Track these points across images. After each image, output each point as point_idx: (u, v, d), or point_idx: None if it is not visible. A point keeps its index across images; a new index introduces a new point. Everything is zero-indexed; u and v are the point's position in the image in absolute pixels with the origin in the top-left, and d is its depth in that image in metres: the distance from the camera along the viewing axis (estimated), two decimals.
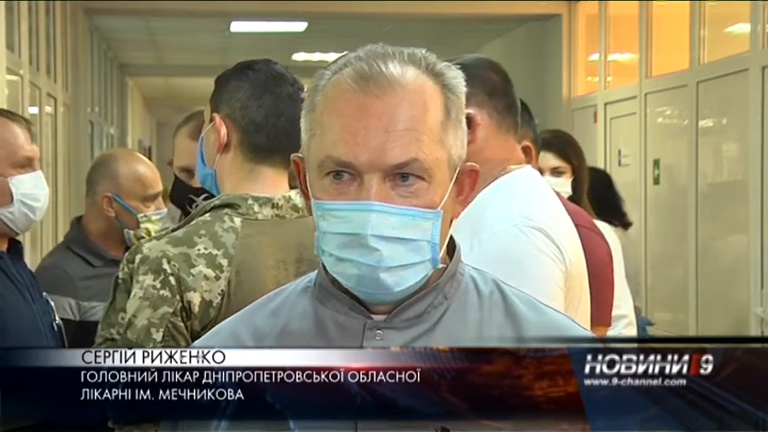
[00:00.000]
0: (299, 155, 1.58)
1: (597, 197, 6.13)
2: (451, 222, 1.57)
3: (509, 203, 2.41)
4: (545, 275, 2.35)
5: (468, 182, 1.56)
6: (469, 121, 2.43)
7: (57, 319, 3.12)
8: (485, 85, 2.48)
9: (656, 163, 8.20)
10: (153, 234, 3.66)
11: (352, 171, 1.47)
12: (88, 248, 3.72)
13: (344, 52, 1.56)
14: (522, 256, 2.34)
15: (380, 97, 1.47)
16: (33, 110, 8.03)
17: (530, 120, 3.25)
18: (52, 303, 3.15)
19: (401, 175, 1.47)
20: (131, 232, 3.70)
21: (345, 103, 1.49)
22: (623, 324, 4.36)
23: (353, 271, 1.49)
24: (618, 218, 6.16)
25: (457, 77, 1.55)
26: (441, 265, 1.53)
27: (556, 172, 4.20)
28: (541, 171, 4.14)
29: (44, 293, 3.13)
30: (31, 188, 3.03)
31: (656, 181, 8.19)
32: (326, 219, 1.49)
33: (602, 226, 5.65)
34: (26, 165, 3.04)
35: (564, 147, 4.26)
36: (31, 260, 6.88)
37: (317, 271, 1.60)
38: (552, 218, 2.45)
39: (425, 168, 1.48)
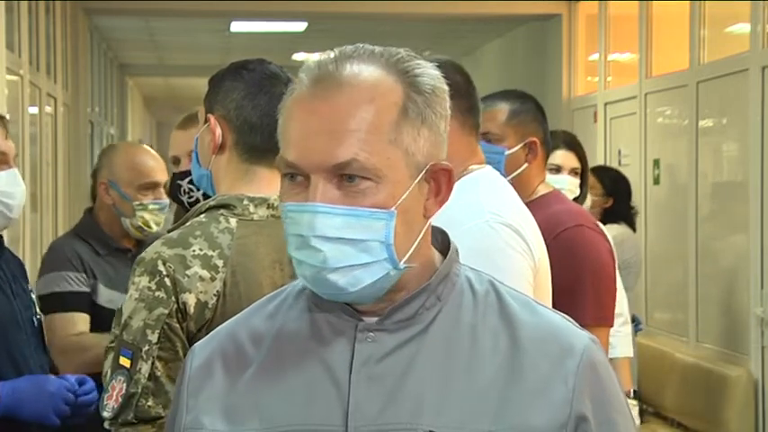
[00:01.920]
0: None
1: (622, 200, 6.19)
2: (426, 221, 1.55)
3: (478, 201, 2.45)
4: (516, 271, 2.40)
5: (445, 181, 1.54)
6: None
7: (38, 313, 3.12)
8: (448, 86, 2.50)
9: (656, 163, 8.20)
10: (151, 224, 3.70)
11: (301, 173, 1.48)
12: (96, 236, 3.77)
13: None
14: (493, 251, 2.38)
15: (326, 99, 1.47)
16: (33, 110, 8.03)
17: (543, 120, 3.27)
18: (34, 297, 3.15)
19: (348, 175, 1.46)
20: (128, 220, 3.71)
21: (298, 107, 1.50)
22: (620, 322, 4.38)
23: (306, 272, 1.49)
24: (631, 218, 6.24)
25: (430, 77, 1.53)
26: (404, 266, 1.50)
27: (573, 172, 4.25)
28: (560, 169, 4.16)
29: (29, 287, 3.13)
30: (5, 185, 3.02)
31: (656, 181, 8.19)
32: (285, 220, 1.50)
33: (609, 227, 5.71)
34: (2, 162, 3.01)
35: (581, 149, 4.34)
36: (31, 260, 6.87)
37: None
38: (519, 215, 2.51)
39: (368, 168, 1.46)
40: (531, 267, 2.43)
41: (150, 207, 3.72)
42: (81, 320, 3.61)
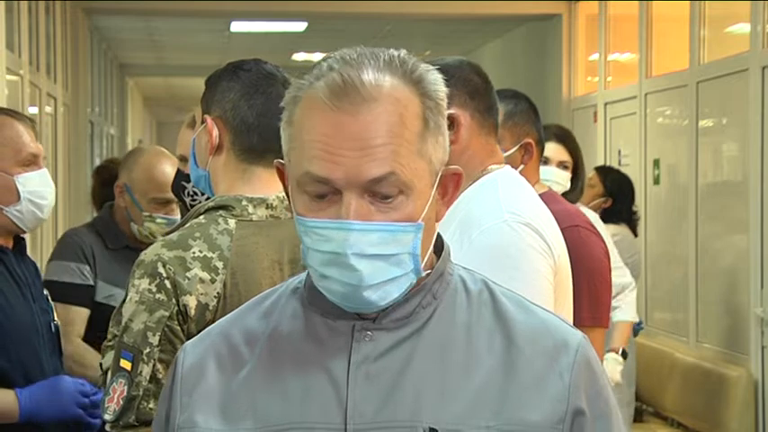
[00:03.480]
0: (282, 161, 1.57)
1: (623, 202, 6.19)
2: (436, 225, 1.56)
3: (497, 200, 2.44)
4: (536, 270, 2.38)
5: (453, 184, 1.55)
6: (453, 121, 2.45)
7: (55, 319, 3.14)
8: (467, 86, 2.50)
9: (656, 163, 8.20)
10: (157, 235, 3.72)
11: (331, 187, 1.46)
12: (110, 230, 3.81)
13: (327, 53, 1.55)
14: (513, 251, 2.37)
15: (355, 115, 1.46)
16: (33, 110, 8.03)
17: (536, 119, 3.27)
18: (53, 303, 3.17)
19: (380, 189, 1.46)
20: (136, 227, 3.75)
21: (321, 120, 1.47)
22: (629, 289, 4.43)
23: (337, 288, 1.48)
24: (633, 222, 6.23)
25: (436, 82, 1.52)
26: (424, 273, 1.52)
27: (562, 165, 4.26)
28: (547, 161, 4.18)
29: (45, 292, 3.15)
30: (38, 186, 3.06)
31: (656, 181, 8.19)
32: (309, 235, 1.49)
33: (607, 227, 5.71)
34: (32, 163, 3.06)
35: (573, 143, 4.35)
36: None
37: (307, 272, 1.58)
38: (539, 214, 2.49)
39: (404, 181, 1.46)
40: (551, 266, 2.42)
41: (158, 221, 3.74)
42: (79, 318, 3.65)
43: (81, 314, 3.66)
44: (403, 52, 1.53)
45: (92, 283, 3.69)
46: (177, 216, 3.76)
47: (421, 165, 1.49)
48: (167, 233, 2.29)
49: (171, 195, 3.72)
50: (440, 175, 1.52)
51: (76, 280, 3.67)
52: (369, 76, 1.47)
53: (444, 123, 1.54)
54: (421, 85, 1.51)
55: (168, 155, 3.91)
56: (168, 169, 3.76)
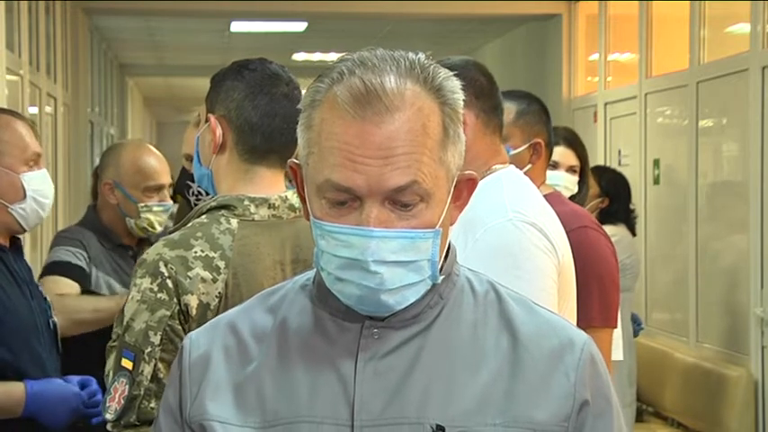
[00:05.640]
0: (296, 161, 1.57)
1: (620, 202, 6.17)
2: (450, 229, 1.57)
3: (501, 200, 2.45)
4: (540, 269, 2.39)
5: (467, 189, 1.56)
6: None
7: (53, 316, 3.15)
8: (472, 86, 2.51)
9: (656, 163, 8.20)
10: (155, 225, 3.74)
11: (351, 195, 1.47)
12: (99, 230, 3.81)
13: (343, 54, 1.54)
14: (517, 249, 2.38)
15: (379, 125, 1.45)
16: (33, 110, 8.02)
17: (547, 121, 3.27)
18: (50, 301, 3.18)
19: (401, 197, 1.46)
20: (132, 221, 3.75)
21: (343, 127, 1.46)
22: None
23: (354, 291, 1.49)
24: (631, 222, 6.22)
25: (455, 90, 1.53)
26: (440, 278, 1.53)
27: (571, 170, 4.25)
28: (557, 165, 4.17)
29: (41, 288, 3.16)
30: (41, 185, 3.09)
31: (656, 181, 8.19)
32: (326, 239, 1.49)
33: (609, 228, 5.69)
34: (36, 162, 3.08)
35: (582, 147, 4.33)
36: (31, 259, 6.87)
37: (315, 270, 1.59)
38: (543, 214, 2.50)
39: (425, 189, 1.47)
40: (555, 266, 2.43)
41: (155, 209, 3.76)
42: (65, 285, 3.62)
43: (69, 284, 3.63)
44: (422, 56, 1.52)
45: (84, 265, 3.69)
46: (170, 201, 3.79)
47: (441, 173, 1.50)
48: (170, 232, 2.29)
49: (162, 180, 3.76)
50: (455, 180, 1.53)
51: (72, 259, 3.67)
52: (391, 83, 1.47)
53: (461, 130, 1.54)
54: (441, 93, 1.51)
55: (147, 144, 3.95)
56: (152, 158, 3.79)
